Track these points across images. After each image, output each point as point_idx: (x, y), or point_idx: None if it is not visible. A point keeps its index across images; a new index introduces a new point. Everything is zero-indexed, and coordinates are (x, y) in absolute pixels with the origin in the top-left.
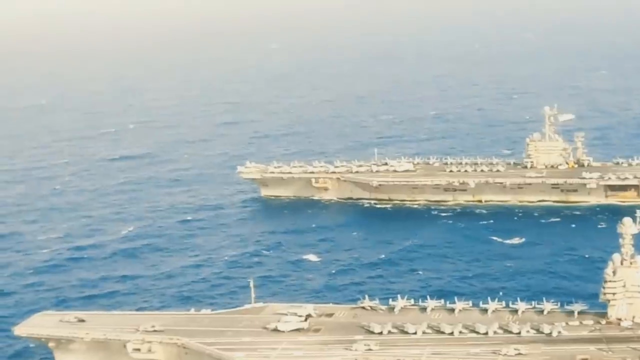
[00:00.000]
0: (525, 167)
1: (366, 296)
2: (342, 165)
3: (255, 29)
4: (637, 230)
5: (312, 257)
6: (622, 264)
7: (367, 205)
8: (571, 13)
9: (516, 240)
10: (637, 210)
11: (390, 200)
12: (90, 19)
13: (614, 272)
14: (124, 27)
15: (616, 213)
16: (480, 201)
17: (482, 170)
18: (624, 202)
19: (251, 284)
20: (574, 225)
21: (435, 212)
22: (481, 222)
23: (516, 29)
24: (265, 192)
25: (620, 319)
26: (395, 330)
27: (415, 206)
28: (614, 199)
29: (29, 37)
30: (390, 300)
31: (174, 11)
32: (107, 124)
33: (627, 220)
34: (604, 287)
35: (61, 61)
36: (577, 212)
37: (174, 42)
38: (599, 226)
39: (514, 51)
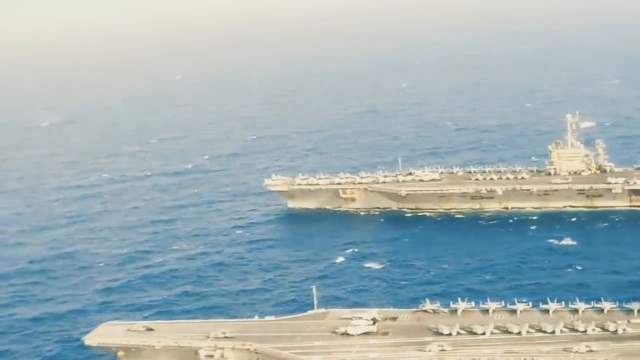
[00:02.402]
0: (549, 174)
1: (427, 300)
2: (367, 176)
3: (259, 38)
4: None
5: (373, 265)
6: None
7: (403, 214)
8: (567, 19)
9: (569, 243)
10: None
11: (417, 209)
12: (92, 31)
13: None
14: (127, 41)
15: None
16: (507, 208)
17: (507, 178)
18: None
19: (314, 291)
20: (622, 230)
21: (481, 221)
22: (532, 227)
23: (515, 38)
24: (291, 203)
25: None
26: (463, 332)
27: (458, 215)
28: (639, 204)
29: (30, 52)
30: (451, 303)
31: (179, 21)
32: (130, 142)
33: None
34: None
35: (66, 76)
36: (622, 217)
37: (179, 54)
38: None
39: (516, 60)
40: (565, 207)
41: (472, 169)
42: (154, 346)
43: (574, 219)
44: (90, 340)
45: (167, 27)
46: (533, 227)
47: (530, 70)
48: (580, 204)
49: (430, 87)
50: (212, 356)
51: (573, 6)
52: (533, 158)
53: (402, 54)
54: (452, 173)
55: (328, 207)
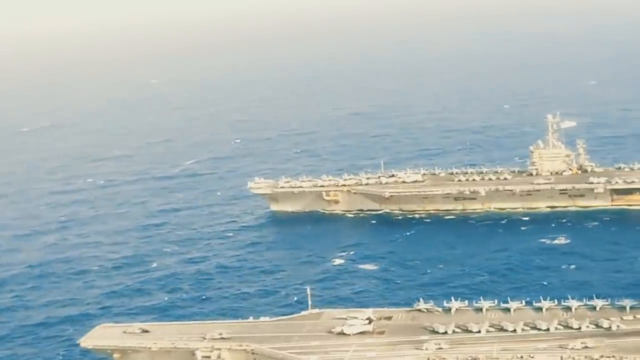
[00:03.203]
0: (531, 174)
1: (421, 299)
2: (350, 178)
3: (246, 41)
4: None
5: (369, 267)
6: None
7: (392, 217)
8: (546, 21)
9: (563, 242)
10: None
11: (402, 210)
12: (75, 35)
13: None
14: (110, 45)
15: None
16: (489, 209)
17: (489, 179)
18: (630, 205)
19: (308, 291)
20: (613, 229)
21: (472, 222)
22: (522, 228)
23: (496, 40)
24: (275, 206)
25: None
26: (458, 330)
27: (448, 216)
28: (620, 203)
29: (12, 56)
30: (445, 302)
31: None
32: (115, 146)
33: None
34: None
35: (49, 80)
36: (612, 216)
37: (162, 57)
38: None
39: (497, 62)
40: (547, 207)
41: (454, 170)
42: (150, 348)
43: (563, 220)
44: (85, 342)
45: (152, 31)
46: (524, 228)
47: (510, 71)
48: (562, 204)
49: (414, 89)
50: (209, 357)
51: (553, 8)
52: (517, 159)
53: (390, 56)
54: (435, 174)
55: (311, 209)
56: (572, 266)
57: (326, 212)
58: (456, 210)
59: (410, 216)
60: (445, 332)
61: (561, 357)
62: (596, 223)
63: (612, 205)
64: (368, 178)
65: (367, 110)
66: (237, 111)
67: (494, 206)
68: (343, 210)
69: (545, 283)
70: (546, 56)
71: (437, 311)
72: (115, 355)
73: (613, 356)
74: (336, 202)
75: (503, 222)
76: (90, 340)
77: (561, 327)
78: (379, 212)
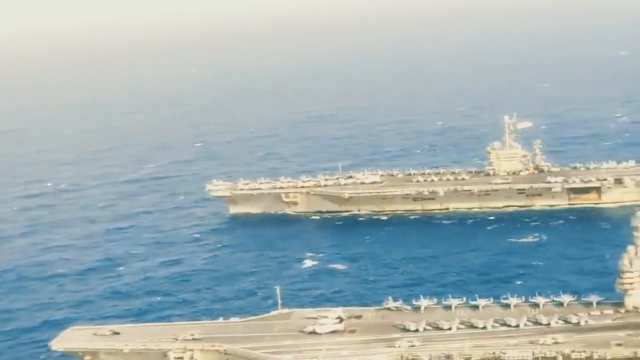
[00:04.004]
0: (488, 174)
1: (390, 298)
2: (309, 180)
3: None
4: None
5: (339, 267)
6: (636, 255)
7: (357, 218)
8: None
9: (530, 241)
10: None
11: (359, 211)
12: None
13: (630, 264)
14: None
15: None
16: (447, 209)
17: (447, 179)
18: (596, 204)
19: (278, 292)
20: (578, 227)
21: (437, 221)
22: (488, 227)
23: (451, 41)
24: (234, 209)
25: (637, 308)
26: (429, 328)
27: (413, 217)
28: (577, 202)
29: None
30: (414, 300)
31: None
32: (74, 151)
33: None
34: (621, 278)
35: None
36: (578, 214)
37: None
38: (603, 226)
39: (454, 63)
40: (505, 206)
41: (412, 171)
42: (121, 350)
43: (528, 219)
44: (56, 345)
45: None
46: (490, 227)
47: (467, 73)
48: (520, 204)
49: (372, 91)
50: (181, 358)
51: (511, 10)
52: (476, 160)
53: (351, 58)
54: (393, 175)
55: (270, 211)
56: (542, 263)
57: (291, 213)
58: (416, 210)
59: (376, 217)
60: (417, 330)
61: (533, 353)
62: (561, 221)
63: (569, 204)
64: (326, 179)
65: (324, 114)
66: (196, 114)
67: (452, 206)
68: (302, 212)
69: (519, 282)
70: (501, 58)
71: (407, 309)
72: (86, 358)
73: (584, 351)
74: (295, 203)
75: (469, 221)
76: (61, 342)
77: (530, 324)
78: (344, 213)
